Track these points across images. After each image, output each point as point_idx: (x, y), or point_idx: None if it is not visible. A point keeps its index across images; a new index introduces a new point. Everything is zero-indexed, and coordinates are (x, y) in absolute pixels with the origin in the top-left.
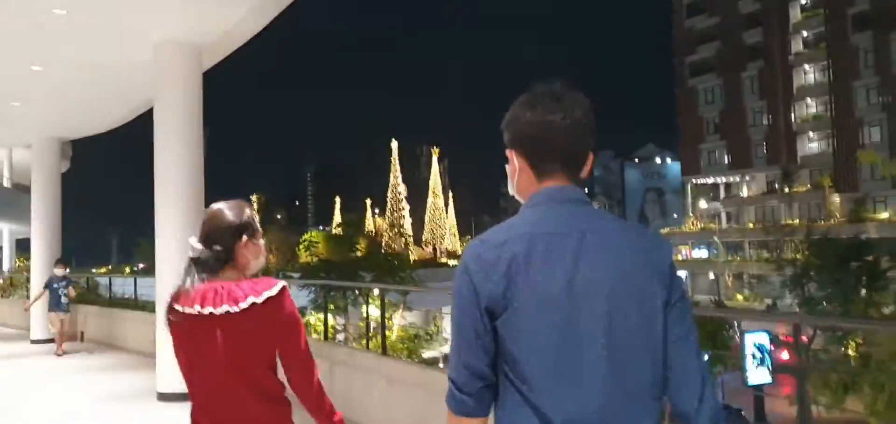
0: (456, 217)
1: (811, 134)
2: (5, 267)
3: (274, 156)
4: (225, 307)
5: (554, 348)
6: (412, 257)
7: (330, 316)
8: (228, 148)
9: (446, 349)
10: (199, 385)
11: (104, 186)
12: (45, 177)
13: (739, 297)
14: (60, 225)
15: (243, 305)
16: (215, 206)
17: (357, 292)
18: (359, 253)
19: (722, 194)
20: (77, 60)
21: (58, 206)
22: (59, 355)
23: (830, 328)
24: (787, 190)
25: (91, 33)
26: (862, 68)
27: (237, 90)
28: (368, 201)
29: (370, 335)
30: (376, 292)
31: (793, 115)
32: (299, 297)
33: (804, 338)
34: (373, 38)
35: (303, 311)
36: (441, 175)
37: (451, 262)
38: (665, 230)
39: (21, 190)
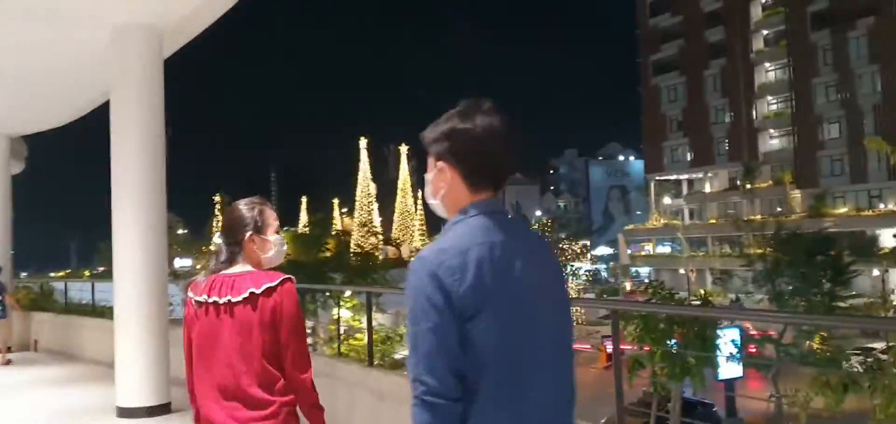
0: (425, 217)
1: (772, 131)
2: None
3: (239, 156)
4: (228, 297)
5: (521, 346)
6: (380, 257)
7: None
8: (191, 146)
9: None
10: (204, 372)
11: (65, 187)
12: None
13: (702, 292)
14: (10, 228)
15: (244, 294)
16: (236, 202)
17: (327, 294)
18: (328, 253)
19: (685, 190)
20: (25, 44)
21: (7, 208)
22: (2, 365)
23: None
24: (748, 186)
25: (40, 14)
26: (821, 66)
27: (197, 89)
28: (335, 201)
29: (341, 338)
30: (348, 293)
31: (754, 112)
32: None
33: (771, 332)
34: (341, 35)
35: None
36: (410, 174)
37: None
38: (629, 227)
39: None
